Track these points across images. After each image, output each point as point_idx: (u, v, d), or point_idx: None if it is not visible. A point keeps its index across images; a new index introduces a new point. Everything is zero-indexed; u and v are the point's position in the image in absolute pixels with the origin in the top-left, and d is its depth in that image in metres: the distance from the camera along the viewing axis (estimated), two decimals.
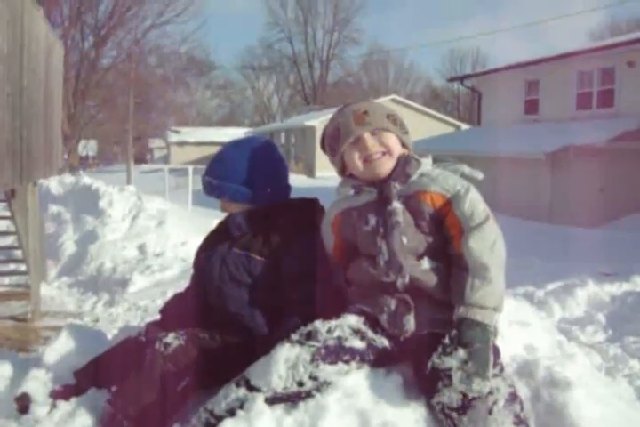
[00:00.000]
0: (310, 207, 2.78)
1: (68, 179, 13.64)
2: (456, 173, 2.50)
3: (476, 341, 2.12)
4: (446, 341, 2.15)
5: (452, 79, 28.00)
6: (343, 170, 2.60)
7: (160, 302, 7.98)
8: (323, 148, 2.66)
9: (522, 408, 2.09)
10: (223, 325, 2.58)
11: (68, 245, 10.72)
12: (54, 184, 13.01)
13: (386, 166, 2.45)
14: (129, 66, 30.21)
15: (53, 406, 2.45)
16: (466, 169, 2.53)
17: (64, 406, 2.42)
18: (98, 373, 2.63)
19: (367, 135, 2.45)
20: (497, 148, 16.51)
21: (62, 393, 2.58)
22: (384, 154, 2.45)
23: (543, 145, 15.17)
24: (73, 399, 2.48)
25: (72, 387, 2.64)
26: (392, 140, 2.47)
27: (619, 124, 15.02)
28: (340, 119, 2.53)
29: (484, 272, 2.21)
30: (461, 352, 2.09)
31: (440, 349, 2.14)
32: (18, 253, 8.71)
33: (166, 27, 37.17)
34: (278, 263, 2.57)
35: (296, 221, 2.66)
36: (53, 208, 11.96)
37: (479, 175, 2.54)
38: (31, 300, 8.03)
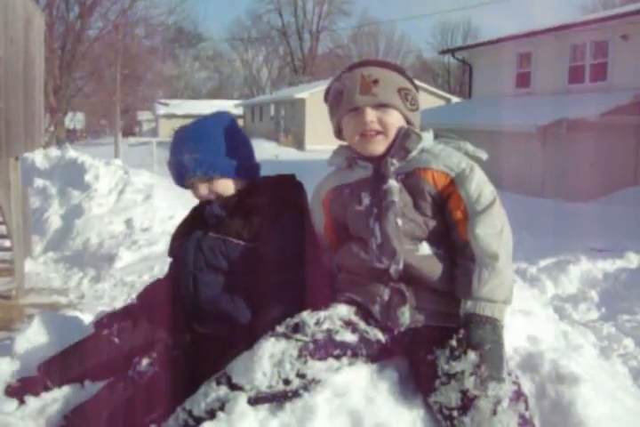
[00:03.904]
0: (287, 184, 2.59)
1: (54, 152, 13.41)
2: (459, 150, 2.32)
3: (486, 341, 1.97)
4: (454, 343, 1.99)
5: (443, 52, 27.74)
6: (339, 133, 2.41)
7: (147, 278, 7.90)
8: (326, 99, 2.44)
9: (526, 407, 1.95)
10: (197, 319, 2.42)
11: (54, 220, 10.57)
12: (39, 158, 12.80)
13: (379, 146, 2.27)
14: (116, 37, 29.70)
15: (21, 402, 2.30)
16: (469, 147, 2.35)
17: (32, 403, 2.27)
18: (63, 369, 2.45)
19: (368, 109, 2.24)
20: (488, 121, 16.38)
21: (19, 389, 2.40)
22: (379, 133, 2.25)
23: (535, 118, 15.03)
24: (44, 395, 2.32)
25: (30, 382, 2.45)
26: (394, 118, 2.27)
27: (612, 99, 14.88)
28: (347, 81, 2.30)
29: (492, 262, 2.05)
30: (472, 355, 1.94)
31: (447, 352, 1.98)
32: (2, 229, 8.55)
33: None
34: (259, 246, 2.40)
35: (274, 200, 2.48)
36: (39, 182, 11.77)
37: (483, 155, 2.36)
38: (15, 276, 7.89)
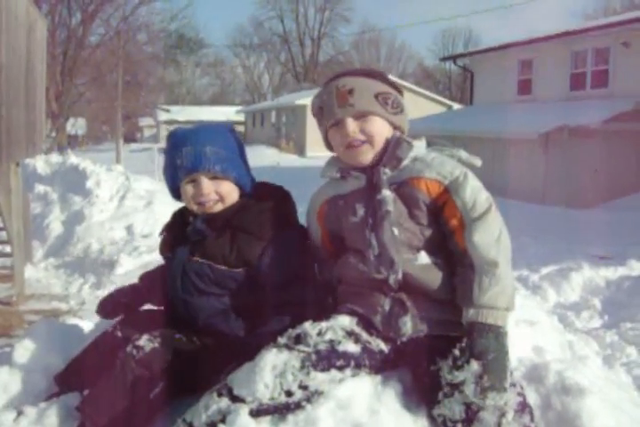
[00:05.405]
0: (275, 199, 2.46)
1: (55, 158, 13.43)
2: (452, 158, 2.30)
3: (489, 350, 1.94)
4: (457, 352, 1.96)
5: (444, 58, 27.71)
6: (330, 145, 2.39)
7: None
8: (313, 114, 2.41)
9: (532, 419, 1.92)
10: (196, 334, 2.38)
11: (55, 226, 10.56)
12: (41, 164, 12.81)
13: (366, 156, 2.25)
14: (117, 43, 29.73)
15: (20, 413, 2.27)
16: (463, 154, 2.33)
17: (31, 413, 2.24)
18: (76, 376, 2.43)
19: (349, 120, 2.23)
20: (489, 128, 16.35)
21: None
22: (364, 143, 2.23)
23: (536, 125, 15.00)
24: (42, 404, 2.30)
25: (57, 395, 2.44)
26: (377, 126, 2.24)
27: (613, 106, 14.86)
28: (324, 96, 2.31)
29: (492, 269, 2.02)
30: (475, 365, 1.91)
31: (450, 361, 1.95)
32: (2, 235, 8.54)
33: (155, 4, 36.79)
34: (251, 272, 2.33)
35: (264, 221, 2.36)
36: (40, 188, 11.77)
37: (477, 162, 2.34)
38: (15, 282, 7.86)
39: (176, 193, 2.49)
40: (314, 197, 2.45)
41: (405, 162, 2.23)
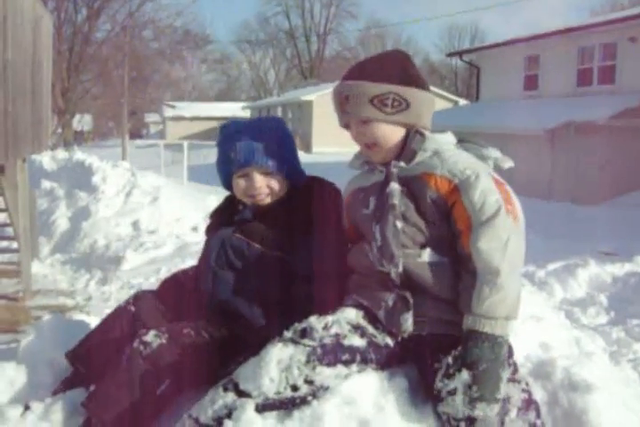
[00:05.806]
0: (322, 194, 2.49)
1: (62, 154, 13.47)
2: (481, 158, 2.25)
3: (482, 360, 1.90)
4: (450, 360, 1.94)
5: (450, 54, 27.73)
6: None
7: (154, 280, 7.85)
8: None
9: (538, 415, 1.91)
10: (213, 323, 2.40)
11: (61, 222, 10.57)
12: (47, 160, 12.85)
13: (377, 156, 2.25)
14: (123, 39, 29.74)
15: (27, 408, 2.27)
16: (493, 154, 2.29)
17: (38, 408, 2.25)
18: (88, 354, 2.47)
19: (352, 126, 2.25)
20: (495, 124, 16.33)
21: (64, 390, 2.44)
22: (372, 145, 2.22)
23: (543, 121, 15.00)
24: (48, 400, 2.30)
25: (70, 378, 2.50)
26: (377, 131, 2.20)
27: (620, 101, 14.83)
28: (333, 101, 2.32)
29: (493, 278, 1.96)
30: (465, 374, 1.88)
31: (444, 368, 1.93)
32: (9, 231, 8.56)
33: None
34: (281, 257, 2.37)
35: (307, 213, 2.40)
36: (46, 184, 11.78)
37: (506, 164, 2.31)
38: (22, 278, 7.88)
39: (228, 184, 2.58)
40: (346, 187, 2.47)
41: (426, 155, 2.19)
